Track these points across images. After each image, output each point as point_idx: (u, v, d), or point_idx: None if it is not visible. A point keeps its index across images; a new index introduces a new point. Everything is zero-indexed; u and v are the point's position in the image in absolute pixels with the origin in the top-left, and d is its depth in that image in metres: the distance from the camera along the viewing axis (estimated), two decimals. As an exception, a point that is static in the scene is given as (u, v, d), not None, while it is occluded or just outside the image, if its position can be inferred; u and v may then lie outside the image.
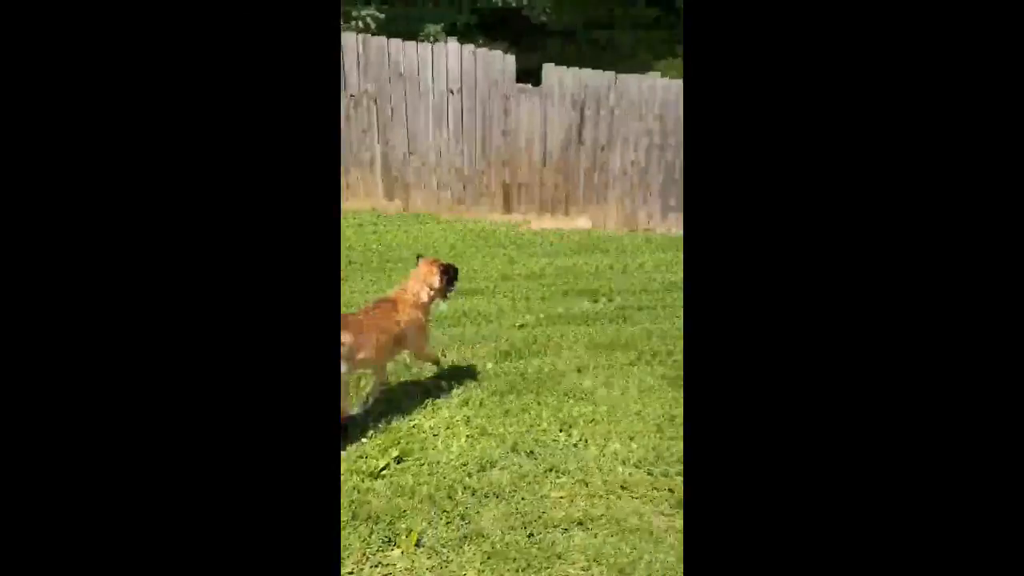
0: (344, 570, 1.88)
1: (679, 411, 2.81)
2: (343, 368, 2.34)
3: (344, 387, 2.45)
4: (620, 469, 2.42)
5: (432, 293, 2.87)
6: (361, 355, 2.50)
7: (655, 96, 6.45)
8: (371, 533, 2.01)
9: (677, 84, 6.46)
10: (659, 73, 7.07)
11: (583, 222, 6.75)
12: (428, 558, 1.94)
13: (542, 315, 4.00)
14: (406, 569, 1.89)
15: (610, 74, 6.37)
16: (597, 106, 6.45)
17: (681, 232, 6.49)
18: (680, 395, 2.88)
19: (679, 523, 2.13)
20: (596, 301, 4.41)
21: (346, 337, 2.36)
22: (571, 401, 2.90)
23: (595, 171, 6.72)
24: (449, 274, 2.92)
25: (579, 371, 3.19)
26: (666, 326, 3.90)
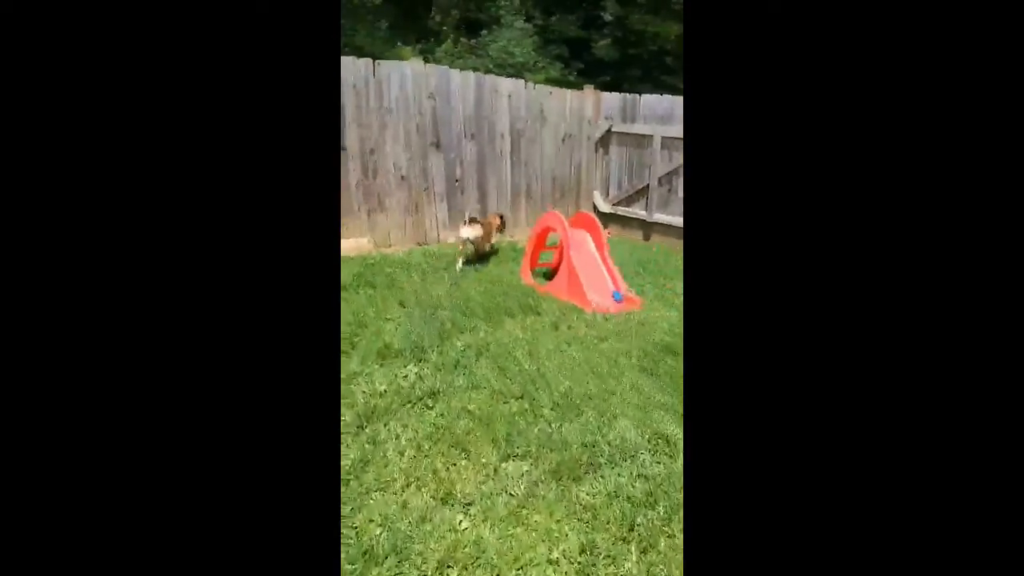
0: None
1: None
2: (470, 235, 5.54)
3: (462, 252, 5.59)
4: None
5: (498, 224, 6.08)
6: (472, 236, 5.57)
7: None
8: None
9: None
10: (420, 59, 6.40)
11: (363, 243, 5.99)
12: None
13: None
14: None
15: (365, 61, 5.58)
16: (357, 100, 5.59)
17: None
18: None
19: None
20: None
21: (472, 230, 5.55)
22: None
23: (368, 178, 5.83)
24: (503, 219, 6.18)
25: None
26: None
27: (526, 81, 6.85)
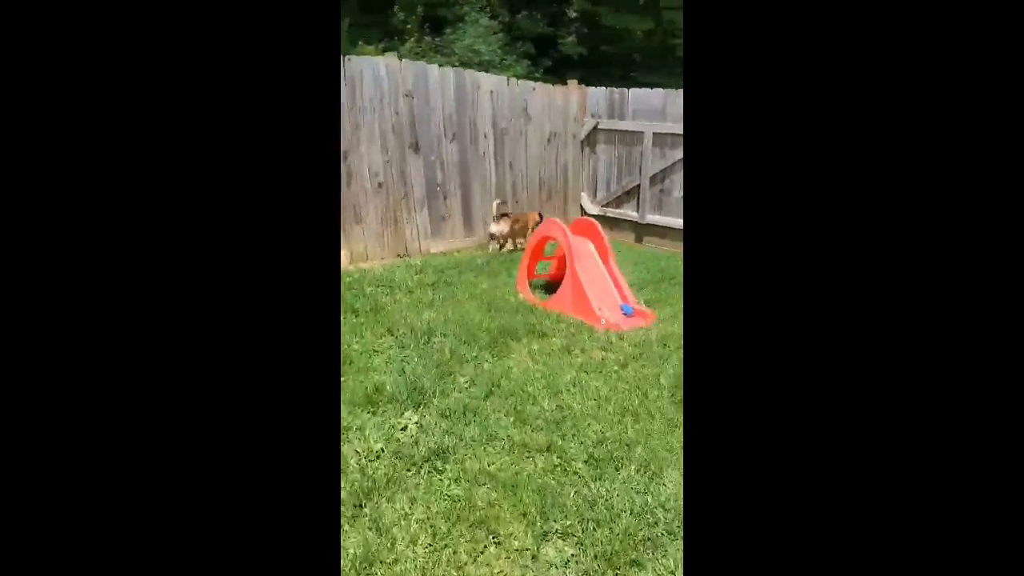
0: None
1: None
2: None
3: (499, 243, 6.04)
4: None
5: (536, 221, 6.04)
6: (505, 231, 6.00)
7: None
8: None
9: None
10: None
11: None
12: None
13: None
14: None
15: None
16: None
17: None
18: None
19: None
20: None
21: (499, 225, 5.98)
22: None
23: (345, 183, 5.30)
24: (541, 218, 6.02)
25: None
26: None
27: (508, 77, 6.33)
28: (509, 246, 6.25)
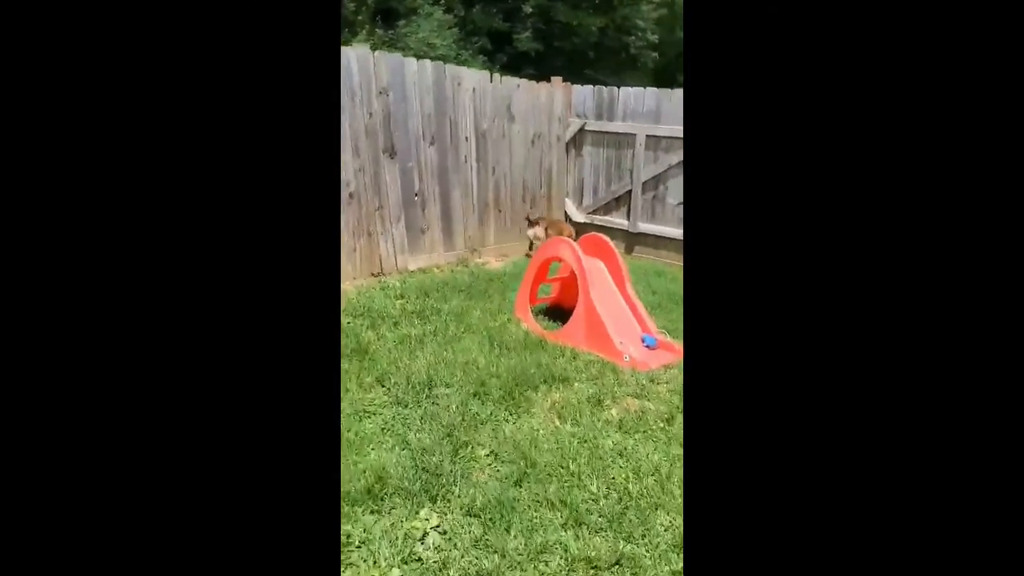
0: None
1: None
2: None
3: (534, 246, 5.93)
4: None
5: (569, 231, 5.94)
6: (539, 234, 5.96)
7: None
8: None
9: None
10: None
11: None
12: None
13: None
14: None
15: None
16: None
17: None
18: None
19: None
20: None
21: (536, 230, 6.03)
22: None
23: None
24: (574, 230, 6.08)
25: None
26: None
27: (491, 72, 5.67)
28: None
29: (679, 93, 5.84)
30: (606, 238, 4.08)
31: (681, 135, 5.81)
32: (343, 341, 3.49)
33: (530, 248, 6.22)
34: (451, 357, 3.40)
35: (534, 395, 3.02)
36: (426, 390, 2.98)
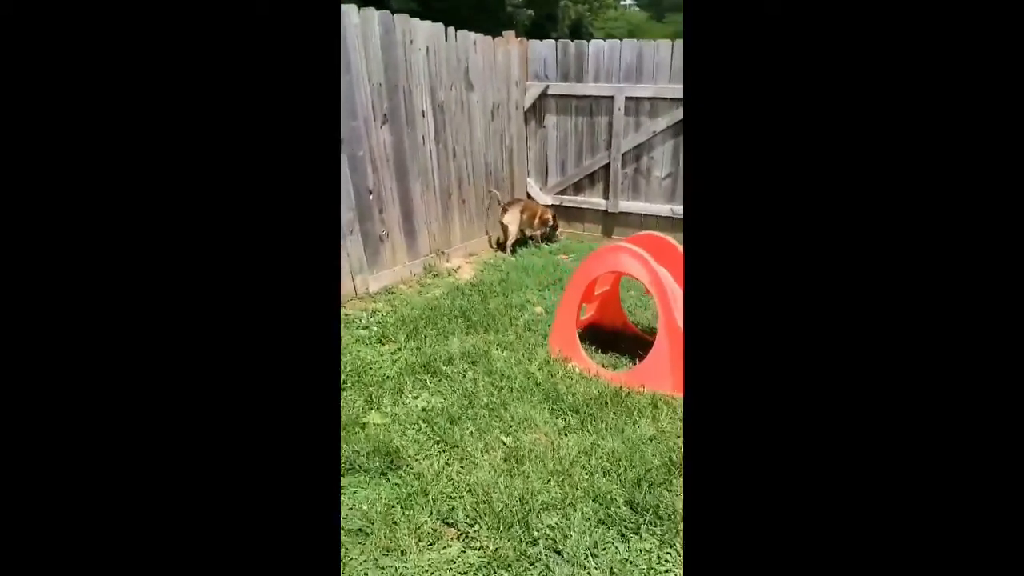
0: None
1: None
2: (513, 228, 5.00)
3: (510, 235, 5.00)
4: None
5: (546, 218, 5.30)
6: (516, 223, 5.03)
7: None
8: None
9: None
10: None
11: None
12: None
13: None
14: None
15: None
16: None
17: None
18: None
19: None
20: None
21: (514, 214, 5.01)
22: None
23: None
24: (553, 218, 5.37)
25: None
26: None
27: (445, 26, 4.37)
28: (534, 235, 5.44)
29: (665, 45, 4.90)
30: (667, 237, 3.09)
31: (669, 95, 4.91)
32: (343, 449, 2.25)
33: (503, 241, 5.13)
34: (515, 444, 2.28)
35: (676, 499, 2.02)
36: (524, 529, 1.87)
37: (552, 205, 5.59)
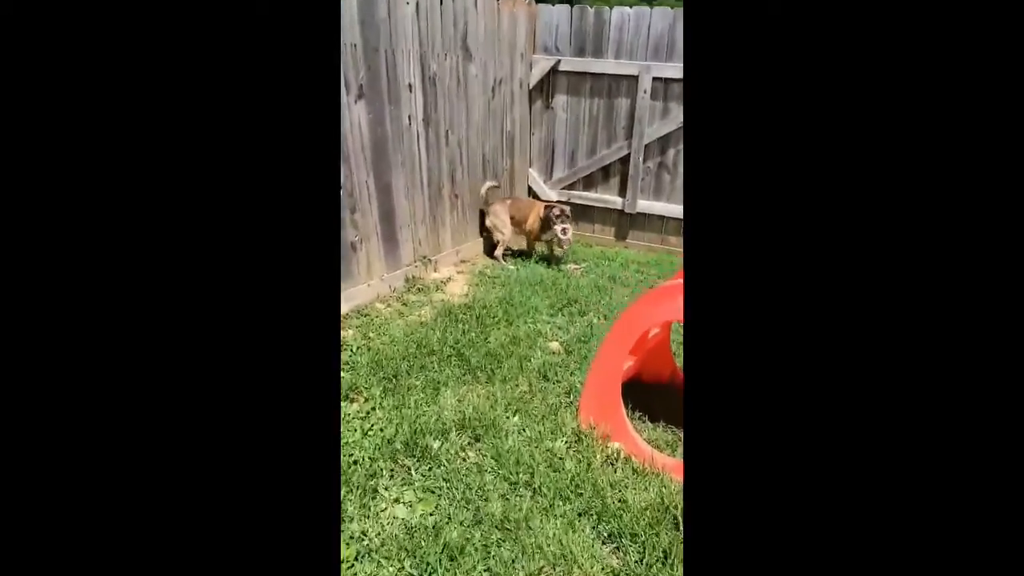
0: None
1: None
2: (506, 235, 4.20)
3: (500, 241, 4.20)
4: None
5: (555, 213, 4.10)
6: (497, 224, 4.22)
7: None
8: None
9: None
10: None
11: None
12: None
13: None
14: None
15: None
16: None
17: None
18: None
19: None
20: None
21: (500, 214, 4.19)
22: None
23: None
24: (555, 214, 4.08)
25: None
26: None
27: (439, -23, 3.45)
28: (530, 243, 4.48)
29: (704, 15, 4.05)
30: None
31: (705, 77, 4.06)
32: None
33: (493, 248, 4.29)
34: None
35: None
36: None
37: (558, 202, 4.74)
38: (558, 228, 4.04)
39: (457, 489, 1.87)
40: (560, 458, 2.03)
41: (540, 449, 2.06)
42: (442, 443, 2.09)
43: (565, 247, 4.23)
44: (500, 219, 4.17)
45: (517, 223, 4.25)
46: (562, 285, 3.70)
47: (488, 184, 4.24)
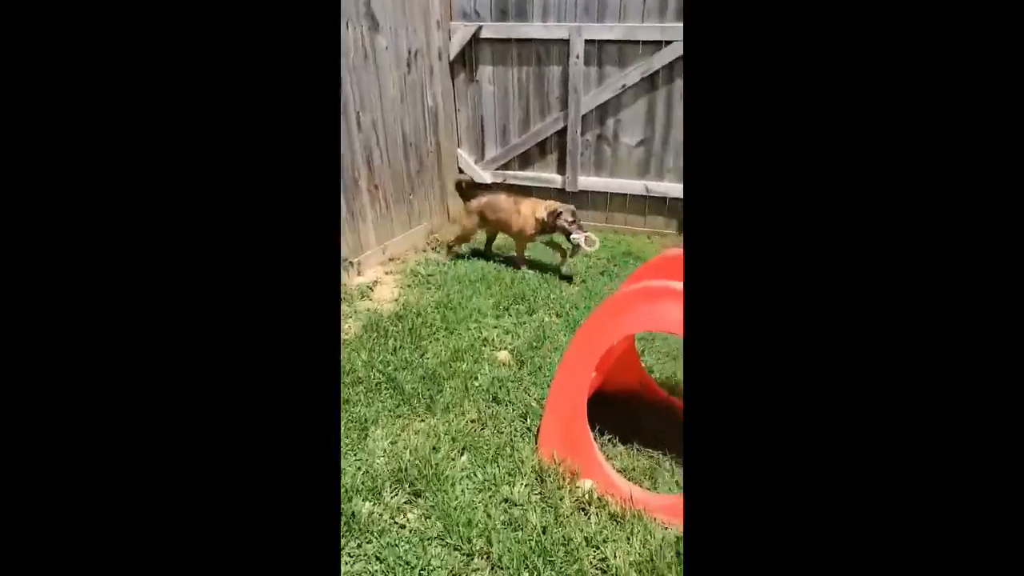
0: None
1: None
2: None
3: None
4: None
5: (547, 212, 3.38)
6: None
7: None
8: None
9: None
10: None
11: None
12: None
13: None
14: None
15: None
16: None
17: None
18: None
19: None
20: None
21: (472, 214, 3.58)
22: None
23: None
24: (557, 214, 3.33)
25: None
26: None
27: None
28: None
29: (636, -32, 3.65)
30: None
31: (642, 37, 3.70)
32: None
33: (452, 245, 3.76)
34: None
35: None
36: None
37: (492, 184, 4.31)
38: (580, 237, 3.23)
39: (396, 572, 1.47)
40: (522, 508, 1.65)
41: (495, 500, 1.67)
42: (373, 505, 1.67)
43: (589, 249, 3.32)
44: (468, 221, 3.62)
45: (498, 225, 3.59)
46: (506, 279, 3.30)
47: (459, 179, 3.76)
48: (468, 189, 3.74)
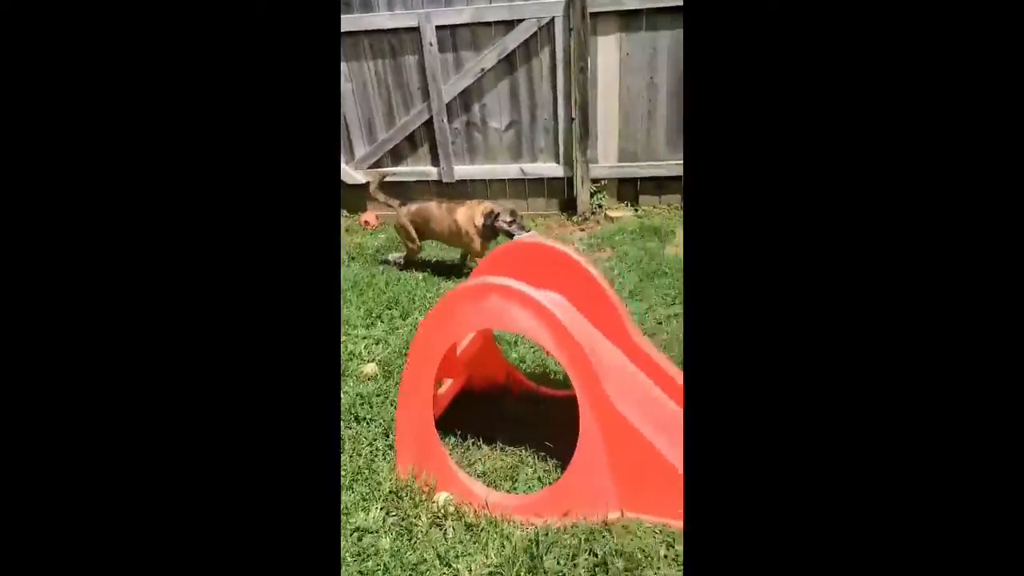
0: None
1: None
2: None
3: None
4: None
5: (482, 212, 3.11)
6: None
7: None
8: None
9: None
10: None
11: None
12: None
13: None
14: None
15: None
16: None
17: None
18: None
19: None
20: None
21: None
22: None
23: None
24: (495, 215, 3.06)
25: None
26: None
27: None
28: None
29: (475, -53, 3.53)
30: (547, 243, 1.86)
31: (491, 18, 3.60)
32: None
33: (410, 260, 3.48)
34: None
35: None
36: None
37: (367, 184, 4.14)
38: (526, 236, 2.92)
39: None
40: (374, 534, 1.54)
41: (347, 532, 1.56)
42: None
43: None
44: (405, 235, 3.39)
45: (436, 236, 3.34)
46: (380, 284, 3.16)
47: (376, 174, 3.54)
48: (384, 192, 3.46)
